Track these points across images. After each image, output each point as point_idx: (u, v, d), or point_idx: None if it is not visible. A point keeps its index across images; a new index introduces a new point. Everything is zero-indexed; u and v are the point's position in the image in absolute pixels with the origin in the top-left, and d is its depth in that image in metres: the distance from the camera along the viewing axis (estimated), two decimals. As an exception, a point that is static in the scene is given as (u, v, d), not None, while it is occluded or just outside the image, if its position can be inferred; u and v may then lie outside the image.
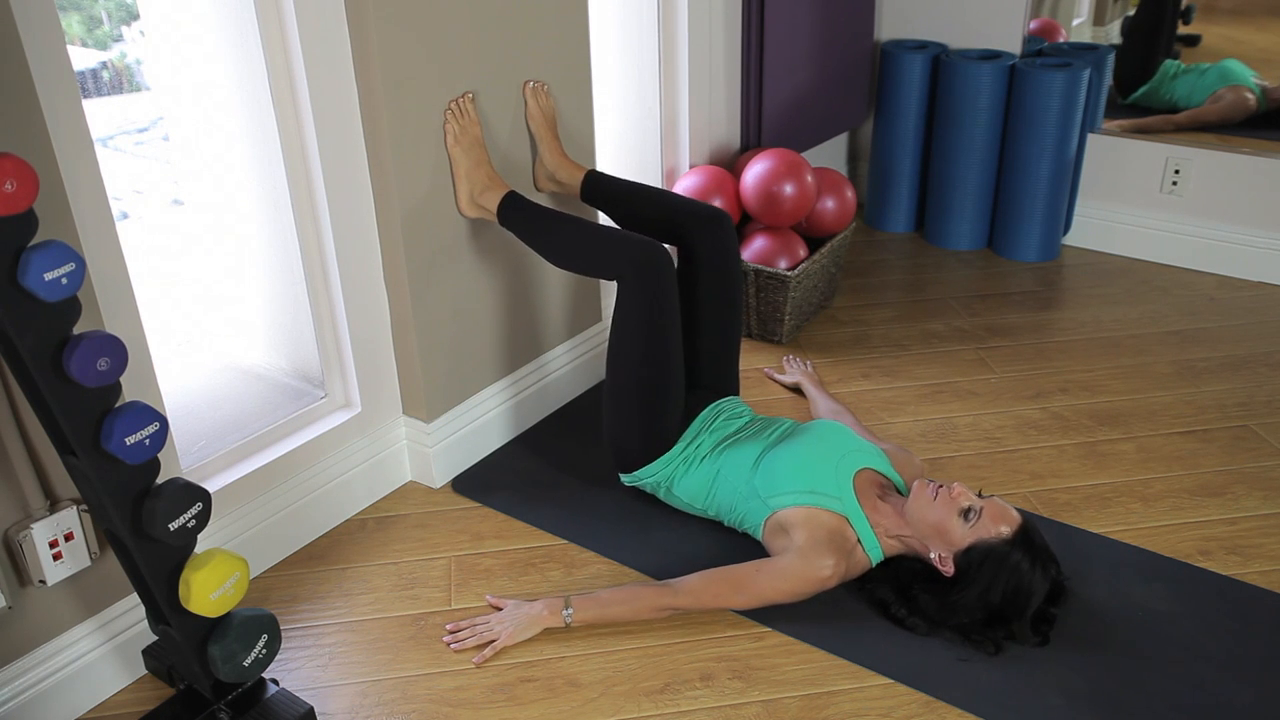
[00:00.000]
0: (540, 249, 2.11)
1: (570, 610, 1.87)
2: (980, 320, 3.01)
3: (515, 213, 2.10)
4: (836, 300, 3.15)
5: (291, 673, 1.83)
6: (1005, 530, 1.78)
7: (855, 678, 1.79)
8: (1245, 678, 1.76)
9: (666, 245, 2.12)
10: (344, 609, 1.97)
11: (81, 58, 2.14)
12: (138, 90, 2.23)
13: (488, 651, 1.84)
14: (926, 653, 1.82)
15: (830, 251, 2.95)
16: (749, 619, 1.91)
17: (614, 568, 2.05)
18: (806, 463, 1.95)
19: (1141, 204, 3.35)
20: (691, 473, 2.08)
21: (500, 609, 1.93)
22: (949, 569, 1.81)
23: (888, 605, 1.88)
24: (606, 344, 2.13)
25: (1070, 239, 3.49)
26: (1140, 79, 3.31)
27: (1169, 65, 3.26)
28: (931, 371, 2.74)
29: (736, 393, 2.25)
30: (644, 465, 2.11)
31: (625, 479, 2.17)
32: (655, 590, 1.88)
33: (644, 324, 2.01)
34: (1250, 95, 3.16)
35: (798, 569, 1.85)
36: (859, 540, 1.89)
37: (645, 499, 2.22)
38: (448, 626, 1.90)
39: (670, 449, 2.09)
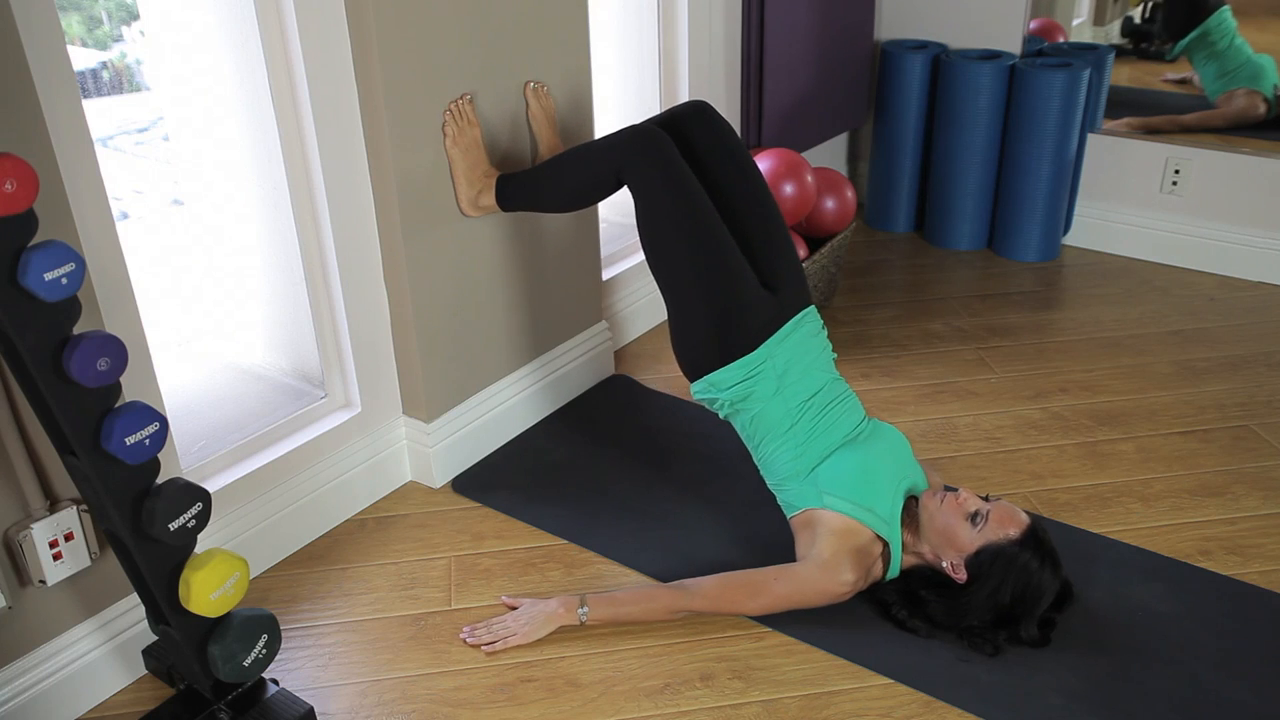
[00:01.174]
0: (544, 204, 2.09)
1: (586, 609, 1.87)
2: (980, 320, 3.01)
3: (509, 190, 2.10)
4: (836, 300, 3.15)
5: (291, 673, 1.83)
6: (1013, 532, 1.78)
7: (855, 678, 1.79)
8: (1245, 677, 1.76)
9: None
10: (344, 609, 1.97)
11: (81, 58, 2.14)
12: (138, 90, 2.23)
13: (499, 645, 1.85)
14: (927, 653, 1.82)
15: (830, 251, 2.95)
16: (750, 619, 1.91)
17: (614, 568, 2.05)
18: (874, 478, 1.90)
19: (1141, 204, 3.35)
20: (771, 409, 1.95)
21: (515, 608, 1.93)
22: (961, 576, 1.81)
23: (889, 606, 1.88)
24: (646, 259, 1.99)
25: (1070, 239, 3.49)
26: (1192, 20, 3.21)
27: (1227, 20, 3.14)
28: (931, 371, 2.74)
29: (809, 299, 2.04)
30: (719, 367, 1.94)
31: (696, 388, 2.00)
32: (671, 592, 1.88)
33: (667, 202, 1.91)
34: (1263, 103, 3.16)
35: (816, 580, 1.84)
36: (882, 556, 1.88)
37: (645, 497, 2.22)
38: (464, 629, 1.90)
39: (751, 352, 1.93)
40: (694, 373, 2.00)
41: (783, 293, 1.99)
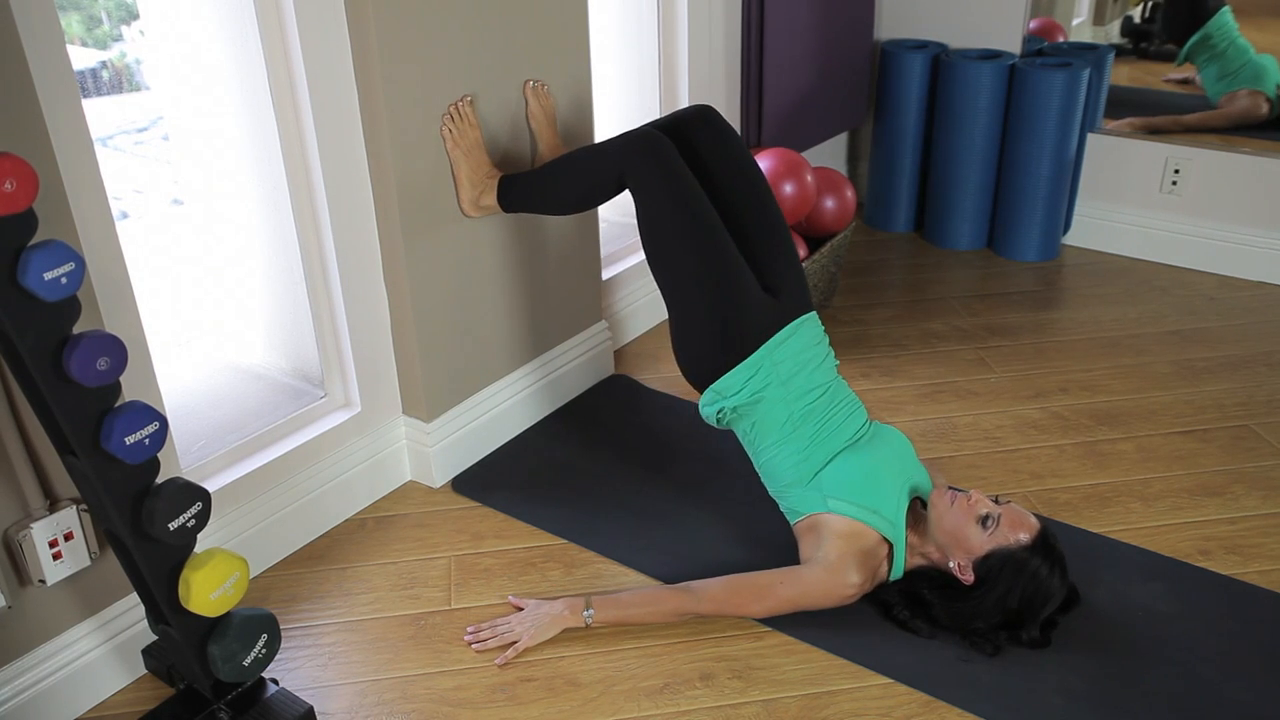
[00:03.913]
0: (546, 206, 2.10)
1: (591, 611, 1.87)
2: (980, 320, 3.01)
3: (511, 191, 2.10)
4: (836, 300, 3.15)
5: (291, 672, 1.83)
6: (1024, 537, 1.77)
7: (855, 677, 1.79)
8: (1245, 676, 1.76)
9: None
10: (344, 609, 1.97)
11: (81, 57, 2.14)
12: (137, 90, 2.23)
13: (510, 653, 1.84)
14: (926, 653, 1.82)
15: (830, 251, 2.95)
16: (751, 619, 1.91)
17: (614, 567, 2.05)
18: (879, 481, 1.90)
19: (1141, 204, 3.35)
20: (773, 414, 1.94)
21: (521, 609, 1.93)
22: (969, 577, 1.80)
23: (891, 607, 1.88)
24: (648, 263, 1.99)
25: (1070, 239, 3.49)
26: (1193, 23, 3.21)
27: (1229, 22, 3.14)
28: (931, 371, 2.74)
29: (810, 305, 2.03)
30: (721, 372, 1.94)
31: (704, 402, 1.98)
32: (676, 595, 1.87)
33: (670, 206, 1.91)
34: (1266, 103, 3.16)
35: (823, 583, 1.84)
36: (888, 558, 1.88)
37: (645, 497, 2.21)
38: (468, 629, 1.90)
39: (753, 353, 1.92)
40: (698, 379, 1.99)
41: (783, 296, 1.99)
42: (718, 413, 1.99)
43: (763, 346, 1.93)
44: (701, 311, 1.93)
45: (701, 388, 2.00)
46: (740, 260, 1.94)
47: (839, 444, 1.95)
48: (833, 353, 2.04)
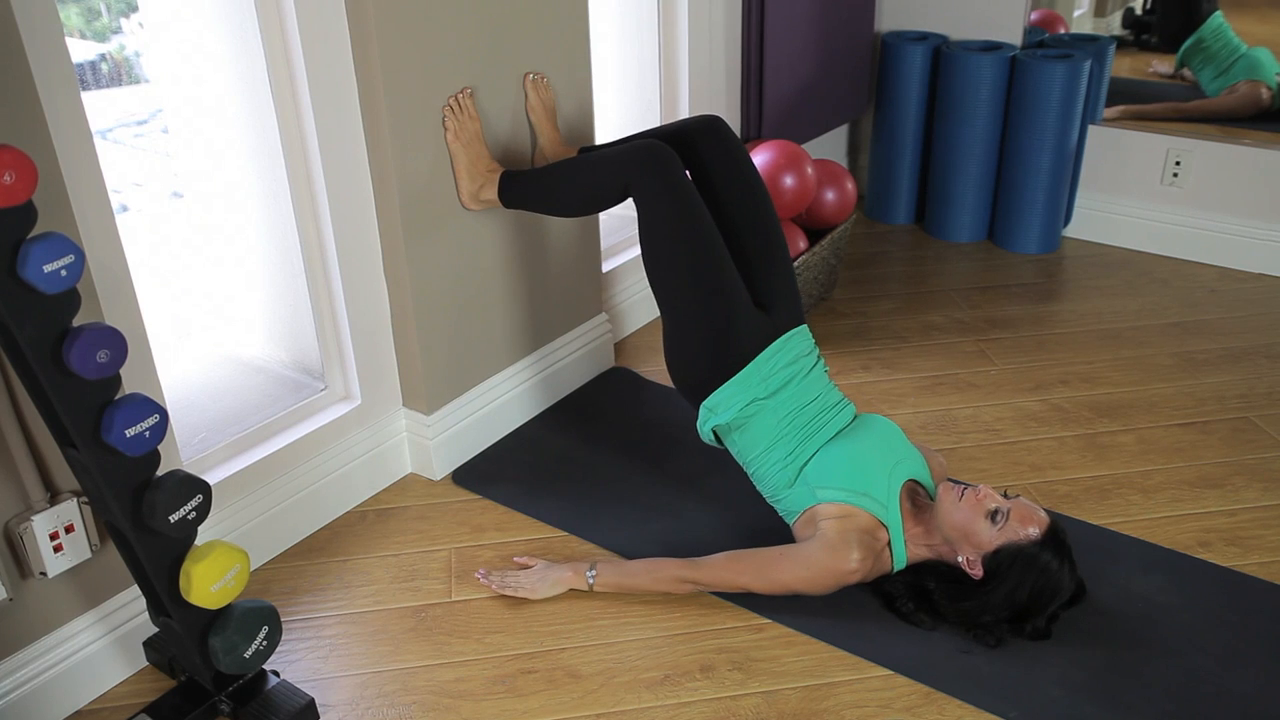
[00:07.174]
0: (548, 208, 2.10)
1: (595, 572, 1.93)
2: (980, 312, 3.01)
3: (514, 189, 2.10)
4: (836, 292, 3.15)
5: (292, 664, 1.83)
6: (1034, 531, 1.76)
7: (855, 669, 1.79)
8: (1244, 668, 1.77)
9: None
10: (344, 601, 1.97)
11: (80, 50, 2.13)
12: (137, 82, 2.23)
13: (507, 590, 1.94)
14: (927, 645, 1.83)
15: (830, 243, 2.94)
16: (749, 609, 1.91)
17: (614, 559, 2.05)
18: (862, 464, 1.90)
19: (1142, 196, 3.34)
20: (762, 423, 1.95)
21: (530, 567, 2.00)
22: (978, 572, 1.80)
23: (893, 599, 1.88)
24: (644, 270, 2.02)
25: (1071, 231, 3.49)
26: (1187, 27, 3.24)
27: (1221, 25, 3.18)
28: (931, 363, 2.74)
29: (802, 319, 2.06)
30: (713, 386, 1.96)
31: (700, 421, 2.00)
32: (678, 562, 1.91)
33: (671, 220, 1.92)
34: (1266, 91, 3.15)
35: (823, 560, 1.83)
36: (889, 545, 1.88)
37: (645, 489, 2.22)
38: (479, 571, 1.99)
39: (745, 367, 1.94)
40: (689, 391, 2.02)
41: (775, 311, 2.01)
42: (713, 429, 2.01)
43: (752, 362, 1.95)
44: (694, 326, 1.95)
45: (693, 400, 2.02)
46: (736, 277, 1.96)
47: (822, 441, 1.98)
48: (823, 361, 2.07)
